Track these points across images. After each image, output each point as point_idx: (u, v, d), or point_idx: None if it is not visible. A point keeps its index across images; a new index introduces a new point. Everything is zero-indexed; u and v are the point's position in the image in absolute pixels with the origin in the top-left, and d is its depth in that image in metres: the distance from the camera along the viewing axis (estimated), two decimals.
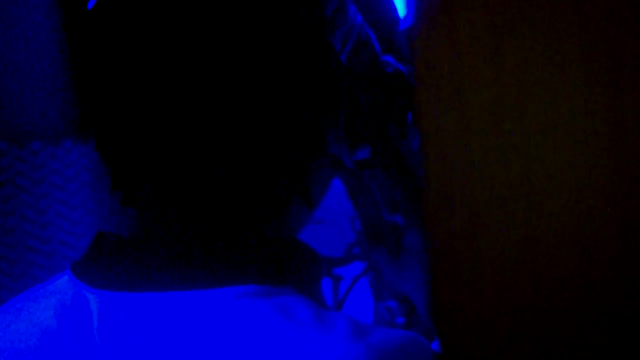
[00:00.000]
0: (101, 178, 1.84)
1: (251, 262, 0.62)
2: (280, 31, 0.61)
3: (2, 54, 1.74)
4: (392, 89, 0.67)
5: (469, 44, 0.49)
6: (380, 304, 1.16)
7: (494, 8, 0.48)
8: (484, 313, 0.49)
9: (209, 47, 0.60)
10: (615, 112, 0.47)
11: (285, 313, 0.58)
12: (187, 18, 0.60)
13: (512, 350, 0.49)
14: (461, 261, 0.50)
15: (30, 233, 1.80)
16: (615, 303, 0.48)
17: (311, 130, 0.63)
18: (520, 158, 0.49)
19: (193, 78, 0.60)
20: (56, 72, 1.78)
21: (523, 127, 0.49)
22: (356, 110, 0.66)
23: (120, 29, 0.62)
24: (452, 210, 0.50)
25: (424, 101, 0.50)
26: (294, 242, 0.65)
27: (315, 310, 0.59)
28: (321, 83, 0.63)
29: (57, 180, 1.83)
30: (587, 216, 0.48)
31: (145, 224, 0.65)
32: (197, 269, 0.61)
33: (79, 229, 1.83)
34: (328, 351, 0.55)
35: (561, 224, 0.48)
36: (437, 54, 0.50)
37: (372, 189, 0.70)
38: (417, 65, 0.50)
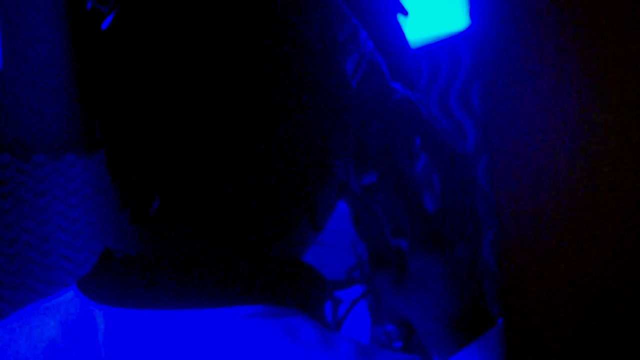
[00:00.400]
0: (104, 192, 1.85)
1: (258, 282, 0.62)
2: (293, 57, 0.62)
3: (7, 67, 1.75)
4: (401, 115, 0.68)
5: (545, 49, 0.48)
6: (379, 327, 1.16)
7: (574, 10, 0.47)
8: (558, 330, 0.49)
9: (223, 70, 0.61)
10: None
11: (292, 334, 0.58)
12: (197, 40, 0.62)
13: None
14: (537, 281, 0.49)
15: (31, 245, 1.81)
16: None
17: (321, 155, 0.64)
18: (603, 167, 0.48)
19: (206, 98, 0.61)
20: (62, 87, 1.79)
21: (602, 131, 0.48)
22: (365, 135, 0.67)
23: (131, 45, 0.63)
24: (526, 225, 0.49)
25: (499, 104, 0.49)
26: (300, 264, 0.65)
27: (320, 331, 0.59)
28: (332, 108, 0.64)
29: (59, 193, 1.84)
30: None
31: (153, 241, 0.65)
32: (205, 288, 0.61)
33: (79, 242, 1.84)
34: None
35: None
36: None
37: (377, 213, 0.71)
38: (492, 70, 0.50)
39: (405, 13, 0.72)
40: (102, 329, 0.63)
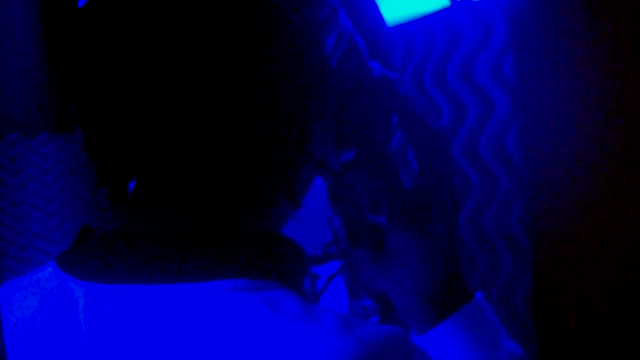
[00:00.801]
0: (78, 171, 1.84)
1: (238, 256, 0.62)
2: (271, 34, 0.62)
3: None
4: (379, 94, 0.68)
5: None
6: (356, 302, 1.17)
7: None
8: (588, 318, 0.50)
9: (201, 48, 0.61)
10: None
11: (274, 307, 0.59)
12: (174, 15, 0.62)
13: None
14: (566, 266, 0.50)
15: (4, 224, 1.80)
16: None
17: (299, 131, 0.64)
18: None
19: (180, 75, 0.61)
20: (35, 66, 1.78)
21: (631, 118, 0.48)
22: (344, 113, 0.67)
23: (107, 23, 0.63)
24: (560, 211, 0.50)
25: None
26: (279, 237, 0.66)
27: (303, 304, 0.60)
28: (311, 86, 0.64)
29: (33, 172, 1.83)
30: None
31: (132, 217, 0.66)
32: (184, 262, 0.62)
33: (53, 222, 1.83)
34: (317, 344, 0.56)
35: None
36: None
37: (355, 189, 0.71)
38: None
39: None
40: (82, 304, 0.63)
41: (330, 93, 0.65)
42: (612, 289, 0.51)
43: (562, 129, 0.50)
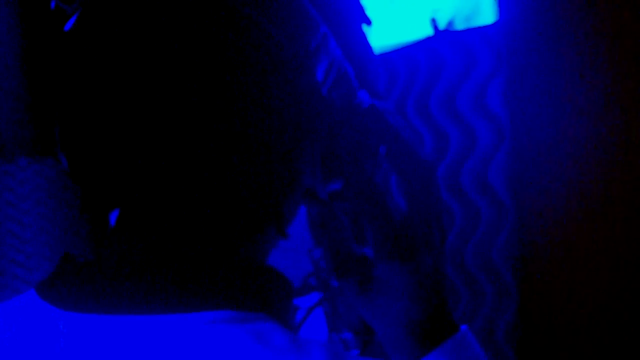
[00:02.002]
0: (57, 197, 1.82)
1: (224, 286, 0.61)
2: (263, 63, 0.61)
3: None
4: (368, 124, 0.68)
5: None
6: (335, 335, 1.16)
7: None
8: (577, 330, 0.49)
9: (191, 77, 0.60)
10: None
11: (261, 339, 0.57)
12: (159, 47, 0.61)
13: None
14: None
15: None
16: None
17: (288, 160, 0.63)
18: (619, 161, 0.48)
19: (168, 104, 0.60)
20: (13, 90, 1.76)
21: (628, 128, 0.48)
22: (332, 143, 0.67)
23: (94, 48, 0.62)
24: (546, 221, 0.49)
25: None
26: (265, 268, 0.64)
27: (290, 336, 0.58)
28: (302, 115, 0.63)
29: (10, 197, 1.81)
30: None
31: (114, 246, 0.64)
32: (168, 293, 0.60)
33: (30, 248, 1.81)
34: None
35: None
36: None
37: (341, 220, 0.71)
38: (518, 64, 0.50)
39: (369, 23, 0.73)
40: (62, 334, 0.62)
41: (320, 122, 0.64)
42: (598, 324, 0.50)
43: (546, 160, 0.50)
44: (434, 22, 1.36)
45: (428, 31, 1.39)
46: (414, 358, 0.70)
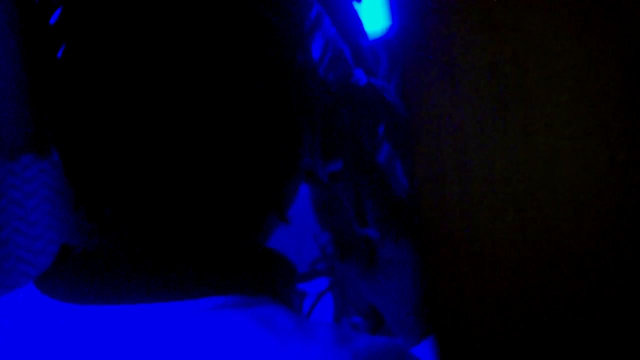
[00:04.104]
0: (62, 194, 1.82)
1: (227, 272, 0.61)
2: (259, 46, 0.61)
3: None
4: (366, 102, 0.68)
5: (464, 46, 0.49)
6: (345, 319, 1.15)
7: (489, 8, 0.48)
8: (484, 315, 0.49)
9: (187, 64, 0.59)
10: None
11: (266, 323, 0.57)
12: (160, 37, 0.60)
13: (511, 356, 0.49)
14: (460, 262, 0.49)
15: None
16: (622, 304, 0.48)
17: (288, 143, 0.63)
18: (519, 158, 0.49)
19: (163, 92, 0.60)
20: (14, 87, 1.76)
21: (521, 125, 0.49)
22: (331, 123, 0.66)
23: (80, 43, 0.61)
24: (449, 210, 0.50)
25: (419, 105, 0.50)
26: (268, 251, 0.64)
27: (295, 319, 0.58)
28: (299, 96, 0.63)
29: (16, 196, 1.80)
30: (589, 215, 0.48)
31: (114, 236, 0.64)
32: (171, 280, 0.60)
33: (37, 246, 1.80)
34: (313, 358, 0.54)
35: (561, 220, 0.48)
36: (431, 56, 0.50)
37: (343, 202, 0.70)
38: (412, 68, 0.50)
39: (359, 0, 0.72)
40: (63, 326, 0.61)
41: (318, 102, 0.64)
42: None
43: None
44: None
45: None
46: (419, 337, 0.70)
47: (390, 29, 1.36)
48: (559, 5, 0.48)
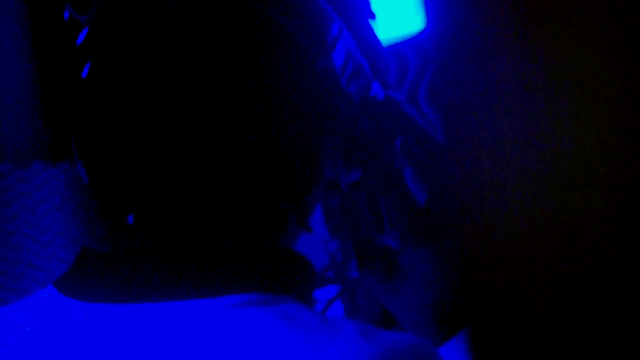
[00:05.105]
0: (72, 200, 1.83)
1: (249, 270, 0.61)
2: (283, 60, 0.62)
3: None
4: (385, 114, 0.69)
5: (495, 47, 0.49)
6: None
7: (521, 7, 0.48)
8: (518, 313, 0.50)
9: (213, 77, 0.60)
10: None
11: (290, 320, 0.57)
12: (186, 52, 0.61)
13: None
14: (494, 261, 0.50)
15: None
16: None
17: (312, 156, 0.64)
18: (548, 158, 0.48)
19: (189, 103, 0.60)
20: (26, 95, 1.77)
21: (559, 130, 0.49)
22: (352, 134, 0.67)
23: (108, 60, 0.62)
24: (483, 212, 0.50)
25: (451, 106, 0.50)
26: (288, 251, 0.65)
27: (318, 316, 0.58)
28: (323, 109, 0.64)
29: (27, 202, 1.81)
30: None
31: (135, 237, 0.64)
32: (192, 278, 0.60)
33: (48, 252, 1.81)
34: (339, 353, 0.54)
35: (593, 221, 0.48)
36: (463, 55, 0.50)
37: (361, 210, 0.71)
38: (446, 71, 0.50)
39: (374, 17, 0.73)
40: (85, 325, 0.62)
41: (340, 115, 0.65)
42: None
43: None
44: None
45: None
46: (441, 341, 0.70)
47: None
48: (598, 6, 0.47)
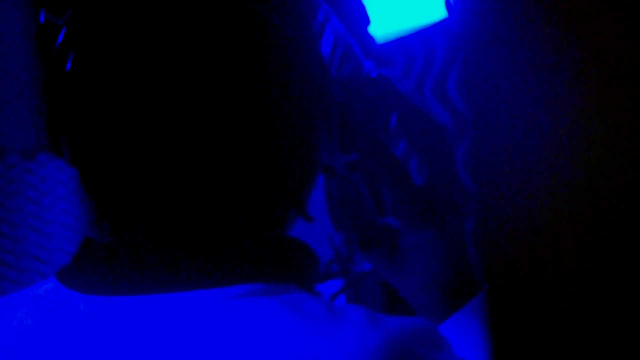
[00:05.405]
0: (77, 192, 1.83)
1: (252, 260, 0.61)
2: (271, 50, 0.61)
3: None
4: (378, 93, 0.68)
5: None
6: None
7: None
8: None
9: (202, 70, 0.60)
10: None
11: (295, 308, 0.57)
12: (172, 45, 0.60)
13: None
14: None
15: (3, 247, 1.79)
16: None
17: (307, 144, 0.63)
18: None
19: (180, 94, 0.60)
20: (31, 88, 1.77)
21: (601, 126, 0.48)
22: (345, 116, 0.67)
23: (88, 65, 0.62)
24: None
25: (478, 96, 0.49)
26: (292, 240, 0.64)
27: (323, 303, 0.58)
28: (315, 97, 0.63)
29: (32, 194, 1.82)
30: None
31: (137, 230, 0.64)
32: (197, 269, 0.60)
33: (53, 244, 1.82)
34: (346, 340, 0.54)
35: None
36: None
37: (361, 192, 0.71)
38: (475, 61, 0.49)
39: None
40: (86, 317, 0.61)
41: (332, 100, 0.64)
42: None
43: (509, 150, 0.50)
44: (448, 2, 1.35)
45: (442, 13, 1.38)
46: (442, 319, 0.70)
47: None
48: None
